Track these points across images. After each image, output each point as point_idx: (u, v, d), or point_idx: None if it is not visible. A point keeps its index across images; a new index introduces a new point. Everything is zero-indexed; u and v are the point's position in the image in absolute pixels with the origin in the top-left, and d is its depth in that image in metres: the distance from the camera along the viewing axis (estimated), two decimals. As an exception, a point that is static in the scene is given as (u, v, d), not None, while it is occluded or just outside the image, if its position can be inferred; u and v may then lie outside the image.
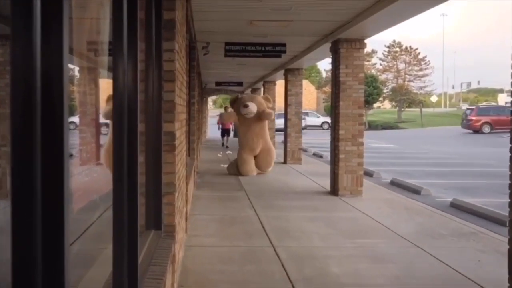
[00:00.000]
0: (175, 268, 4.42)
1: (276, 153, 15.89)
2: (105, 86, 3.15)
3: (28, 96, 1.30)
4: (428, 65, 67.49)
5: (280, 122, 21.01)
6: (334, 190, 10.82)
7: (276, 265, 5.85)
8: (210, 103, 65.83)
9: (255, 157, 14.08)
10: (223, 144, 24.34)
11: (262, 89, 24.21)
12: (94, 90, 3.39)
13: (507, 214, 4.29)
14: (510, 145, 4.21)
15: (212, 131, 34.99)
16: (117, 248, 2.61)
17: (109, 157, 3.05)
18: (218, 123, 27.58)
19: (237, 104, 14.48)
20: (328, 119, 41.47)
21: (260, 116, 14.09)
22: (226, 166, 14.81)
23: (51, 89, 1.37)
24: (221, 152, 20.98)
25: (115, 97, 2.64)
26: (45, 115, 1.35)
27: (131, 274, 2.70)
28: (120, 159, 2.63)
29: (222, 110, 28.31)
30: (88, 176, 3.17)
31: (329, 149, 11.62)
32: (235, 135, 28.16)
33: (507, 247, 4.28)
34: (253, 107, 14.02)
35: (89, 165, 3.19)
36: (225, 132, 24.95)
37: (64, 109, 1.40)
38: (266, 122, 14.37)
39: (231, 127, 26.47)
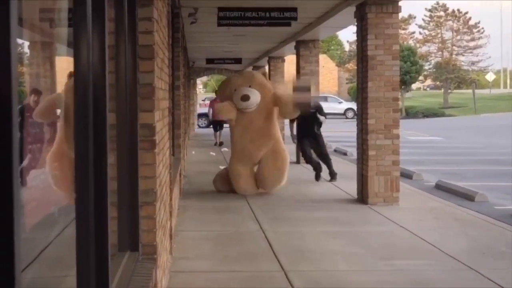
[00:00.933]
0: (158, 301, 4.51)
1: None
2: (64, 66, 3.17)
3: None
4: (482, 33, 67.53)
5: None
6: (362, 197, 10.83)
7: (288, 295, 5.94)
8: (199, 86, 65.91)
9: (257, 165, 12.01)
10: (216, 143, 23.21)
11: (267, 66, 24.23)
12: (49, 72, 3.41)
13: None
14: None
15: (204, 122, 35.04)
16: (82, 275, 2.62)
17: (57, 162, 3.09)
18: (209, 107, 25.30)
19: (228, 91, 12.30)
20: (354, 105, 41.34)
21: (274, 103, 11.90)
22: (223, 167, 14.32)
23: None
24: (215, 151, 20.97)
25: (77, 80, 2.64)
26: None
27: (102, 309, 2.74)
28: (84, 161, 2.64)
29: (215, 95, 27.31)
30: (43, 183, 3.17)
31: (355, 144, 11.58)
32: None
33: None
34: (255, 98, 11.86)
35: (45, 169, 3.15)
36: (217, 124, 23.56)
37: (13, 97, 1.40)
38: (275, 111, 12.12)
39: None
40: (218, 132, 23.62)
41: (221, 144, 22.74)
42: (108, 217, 2.77)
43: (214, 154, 19.75)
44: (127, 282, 3.70)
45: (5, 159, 1.40)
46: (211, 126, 24.14)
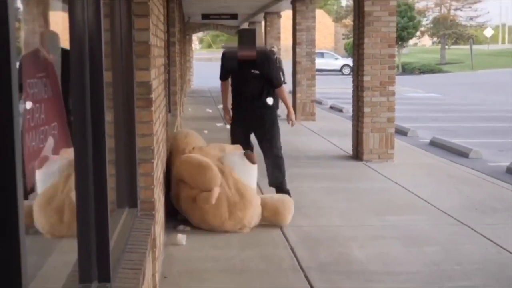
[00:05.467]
0: (156, 255, 4.50)
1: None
2: (58, 22, 3.18)
3: None
4: (480, -13, 66.58)
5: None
6: (357, 154, 10.94)
7: (284, 249, 5.98)
8: (195, 42, 65.41)
9: None
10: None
11: (263, 22, 24.06)
12: (44, 28, 3.37)
13: None
14: None
15: (199, 78, 34.91)
16: (83, 230, 2.67)
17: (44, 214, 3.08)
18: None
19: None
20: (350, 62, 41.24)
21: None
22: (221, 124, 13.88)
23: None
24: (211, 107, 20.90)
25: (73, 37, 2.67)
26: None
27: (102, 263, 2.76)
28: (82, 119, 2.66)
29: (215, 51, 25.96)
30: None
31: (351, 101, 11.65)
32: None
33: None
34: None
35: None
36: None
37: (11, 55, 1.40)
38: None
39: None
40: None
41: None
42: (107, 174, 2.79)
43: (210, 111, 19.69)
44: (126, 237, 3.73)
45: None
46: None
